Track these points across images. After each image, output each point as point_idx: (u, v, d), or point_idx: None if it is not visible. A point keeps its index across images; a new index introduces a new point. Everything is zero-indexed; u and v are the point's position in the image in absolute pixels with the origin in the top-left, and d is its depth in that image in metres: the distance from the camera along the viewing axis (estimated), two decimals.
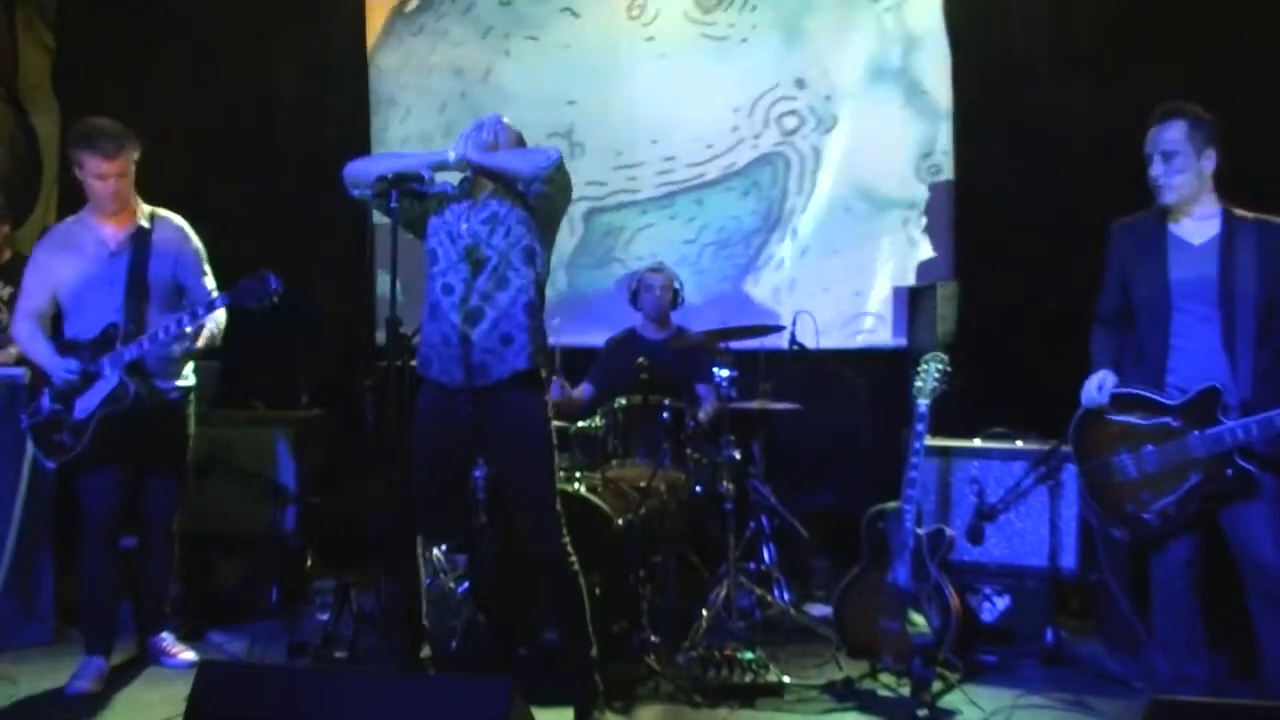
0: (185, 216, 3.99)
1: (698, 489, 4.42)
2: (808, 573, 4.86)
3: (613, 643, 3.64)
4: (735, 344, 4.53)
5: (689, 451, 4.29)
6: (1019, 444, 4.17)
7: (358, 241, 5.60)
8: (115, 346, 3.66)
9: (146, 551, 3.99)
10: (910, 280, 5.42)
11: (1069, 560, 4.05)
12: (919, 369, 3.76)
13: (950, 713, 3.46)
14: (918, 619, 3.46)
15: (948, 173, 5.38)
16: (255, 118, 5.94)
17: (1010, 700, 3.55)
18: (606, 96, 5.72)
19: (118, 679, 3.79)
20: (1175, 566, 3.27)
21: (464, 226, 3.22)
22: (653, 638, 3.75)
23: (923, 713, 3.36)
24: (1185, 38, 4.76)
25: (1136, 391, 3.25)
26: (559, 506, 3.26)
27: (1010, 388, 4.74)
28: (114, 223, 3.79)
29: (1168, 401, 3.18)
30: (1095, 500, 3.33)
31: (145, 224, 3.82)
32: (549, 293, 5.32)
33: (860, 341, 5.45)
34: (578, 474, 4.04)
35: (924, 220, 5.42)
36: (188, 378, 3.93)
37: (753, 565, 4.57)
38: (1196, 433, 3.09)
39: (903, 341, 5.37)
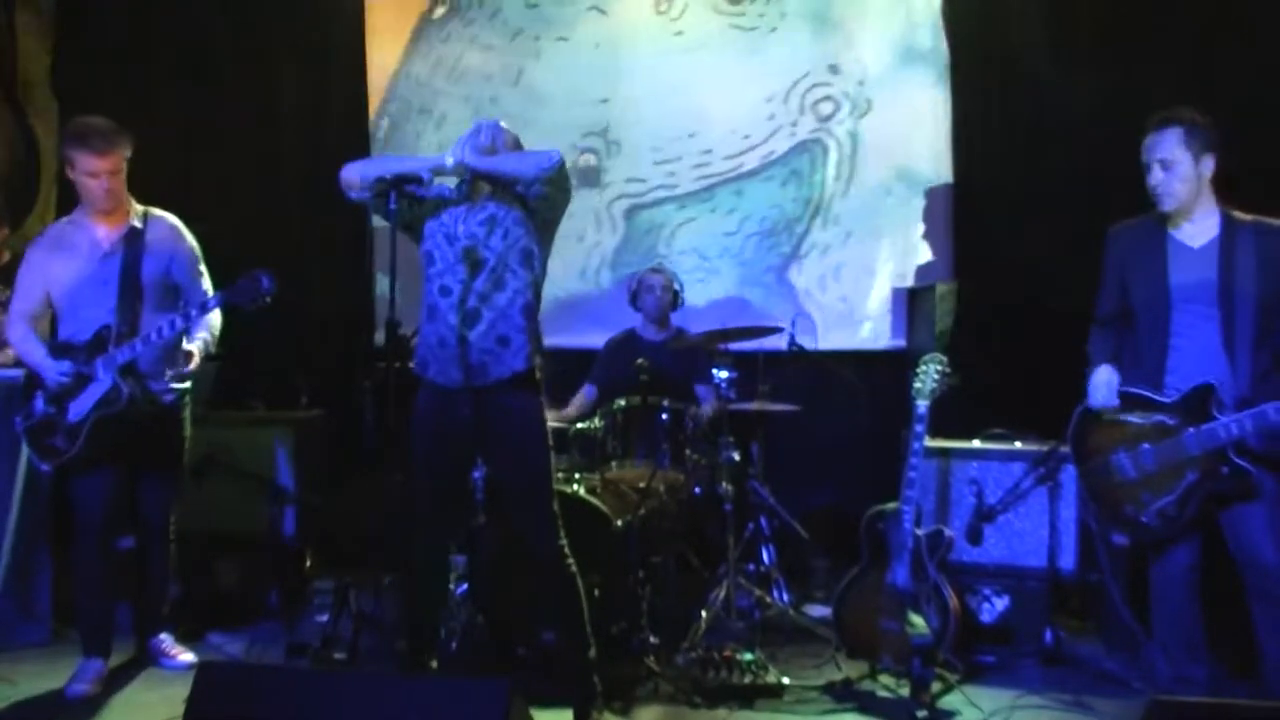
0: (184, 217, 3.98)
1: (697, 490, 4.42)
2: (807, 573, 4.86)
3: (612, 643, 3.64)
4: (734, 345, 4.53)
5: (688, 452, 4.29)
6: (1018, 445, 4.17)
7: (357, 243, 5.60)
8: (108, 348, 3.64)
9: (144, 553, 3.98)
10: (909, 281, 5.42)
11: (1068, 561, 4.05)
12: (918, 370, 3.76)
13: (949, 713, 3.46)
14: (917, 620, 3.46)
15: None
16: (255, 118, 5.94)
17: (1009, 701, 3.55)
18: (640, 93, 5.72)
19: (116, 680, 3.79)
20: (1176, 570, 3.28)
21: (461, 228, 3.22)
22: (652, 638, 3.75)
23: (922, 713, 3.36)
24: (1185, 37, 4.76)
25: (1132, 390, 3.26)
26: (557, 507, 3.26)
27: (1009, 388, 4.75)
28: (107, 223, 3.78)
29: (1163, 399, 3.18)
30: (1095, 503, 3.33)
31: (138, 223, 3.81)
32: (592, 290, 5.39)
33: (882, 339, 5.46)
34: (577, 475, 4.04)
35: (923, 225, 5.43)
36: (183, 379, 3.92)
37: (752, 566, 4.57)
38: (1191, 430, 3.09)
39: (902, 342, 5.38)
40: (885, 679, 3.71)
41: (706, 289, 5.62)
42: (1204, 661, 3.29)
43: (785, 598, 4.46)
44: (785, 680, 3.63)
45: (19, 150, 5.46)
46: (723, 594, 4.10)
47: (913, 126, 5.43)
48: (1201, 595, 3.28)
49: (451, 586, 4.27)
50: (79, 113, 3.80)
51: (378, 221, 3.42)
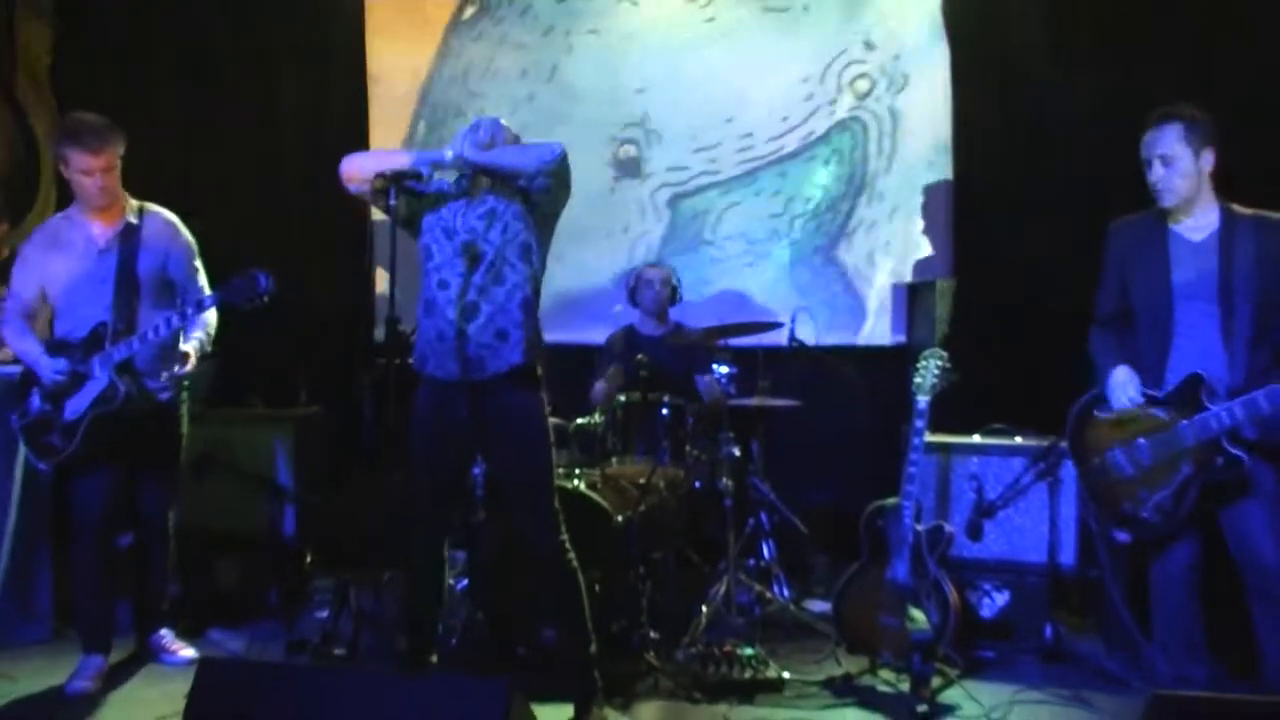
0: (184, 215, 3.98)
1: (697, 485, 4.42)
2: (807, 569, 4.87)
3: (612, 639, 3.64)
4: (734, 340, 4.53)
5: (688, 448, 4.30)
6: (1018, 440, 4.17)
7: (356, 240, 5.59)
8: (105, 346, 3.63)
9: (143, 551, 3.99)
10: (909, 277, 5.43)
11: (1068, 556, 4.05)
12: (918, 365, 3.77)
13: (949, 708, 3.46)
14: (917, 615, 3.46)
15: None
16: (255, 118, 5.94)
17: (1009, 696, 3.55)
18: (676, 81, 5.70)
19: (117, 676, 3.80)
20: (1175, 570, 3.28)
21: (460, 223, 3.22)
22: (652, 634, 3.75)
23: (922, 708, 3.36)
24: (1185, 37, 4.76)
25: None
26: (557, 504, 3.26)
27: (1010, 384, 4.75)
28: (103, 219, 3.76)
29: (1155, 393, 3.18)
30: (1095, 502, 3.33)
31: (134, 220, 3.80)
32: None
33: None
34: (577, 471, 4.05)
35: (922, 221, 5.43)
36: None
37: (752, 562, 4.58)
38: (1184, 421, 3.10)
39: (902, 338, 5.38)
40: (885, 674, 3.71)
41: (755, 273, 5.61)
42: (1204, 661, 3.29)
43: (785, 593, 4.46)
44: (785, 675, 3.63)
45: (19, 150, 5.46)
46: (723, 589, 4.10)
47: (950, 99, 5.43)
48: (1202, 595, 3.28)
49: (451, 582, 4.29)
50: (78, 112, 3.79)
51: (377, 215, 3.41)
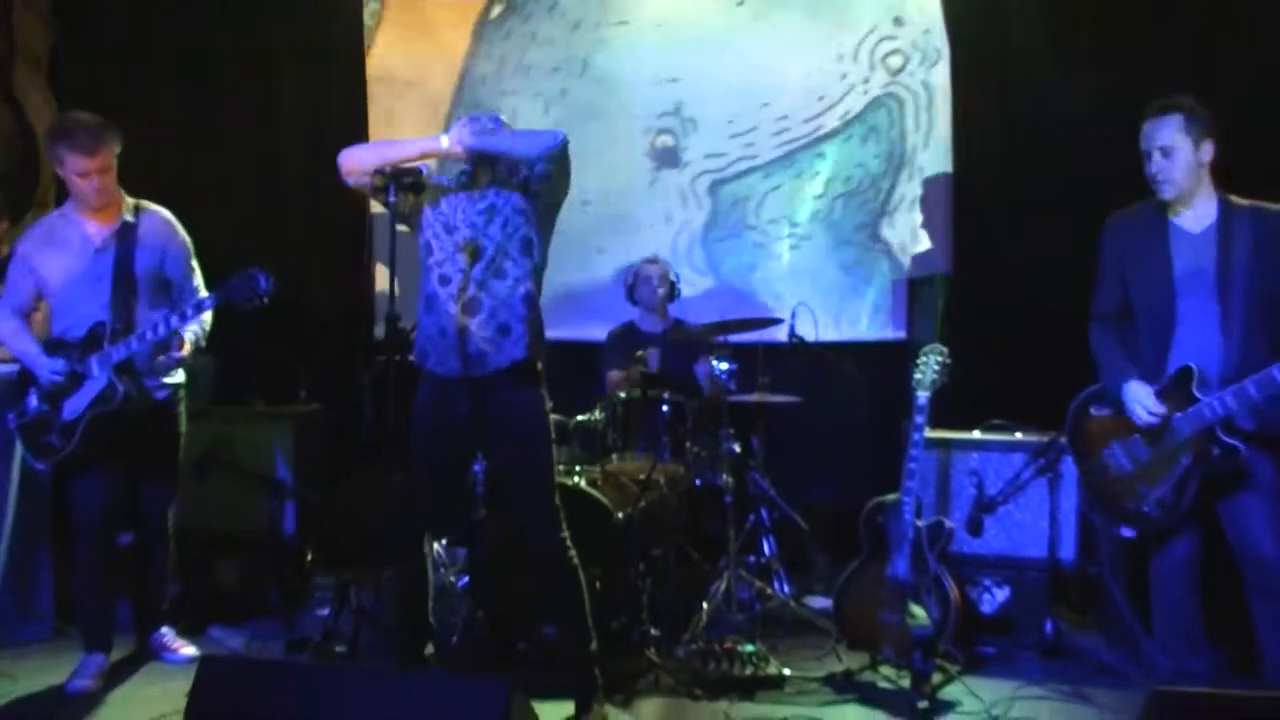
0: (184, 215, 3.97)
1: (697, 482, 4.42)
2: (807, 565, 4.87)
3: (612, 636, 3.64)
4: (734, 337, 4.53)
5: (688, 445, 4.30)
6: (1018, 436, 4.17)
7: (356, 239, 5.61)
8: (103, 346, 3.61)
9: (143, 550, 3.98)
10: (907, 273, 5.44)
11: (1068, 552, 4.05)
12: (918, 361, 3.76)
13: (950, 704, 3.46)
14: (917, 611, 3.46)
15: None
16: (255, 118, 5.94)
17: (1010, 691, 3.55)
18: (709, 68, 5.69)
19: (118, 674, 3.80)
20: (1175, 564, 3.27)
21: (460, 217, 3.22)
22: (653, 631, 3.75)
23: (923, 704, 3.37)
24: (1185, 37, 4.76)
25: None
26: (558, 500, 3.26)
27: (1009, 380, 4.75)
28: (99, 217, 3.74)
29: (1151, 387, 3.18)
30: (1098, 500, 3.32)
31: (130, 218, 3.77)
32: (684, 269, 5.41)
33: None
34: (577, 467, 4.05)
35: (920, 216, 5.43)
36: (176, 375, 3.90)
37: (752, 558, 4.58)
38: (1178, 414, 3.09)
39: (902, 334, 5.39)
40: (886, 670, 3.72)
41: (801, 255, 5.60)
42: (1204, 654, 3.28)
43: (786, 589, 4.46)
44: (786, 672, 3.63)
45: (18, 148, 5.46)
46: (723, 586, 4.10)
47: (950, 99, 5.42)
48: (1202, 592, 3.28)
49: (452, 580, 4.30)
50: (77, 110, 3.77)
51: (375, 207, 3.41)
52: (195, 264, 3.94)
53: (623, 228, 5.69)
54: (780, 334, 4.63)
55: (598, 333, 5.13)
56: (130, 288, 3.71)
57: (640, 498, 3.90)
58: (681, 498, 4.29)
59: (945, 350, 3.76)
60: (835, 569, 4.24)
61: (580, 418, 4.25)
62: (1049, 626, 3.97)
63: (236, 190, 5.85)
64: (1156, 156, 3.18)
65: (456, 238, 3.20)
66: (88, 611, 3.81)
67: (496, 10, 5.97)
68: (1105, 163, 4.08)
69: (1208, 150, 3.17)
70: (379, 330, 5.64)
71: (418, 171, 3.26)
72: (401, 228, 3.41)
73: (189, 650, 3.96)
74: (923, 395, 3.69)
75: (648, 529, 3.92)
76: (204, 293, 3.88)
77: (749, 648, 3.67)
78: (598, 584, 3.51)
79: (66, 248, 3.72)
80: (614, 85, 5.78)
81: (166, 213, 3.91)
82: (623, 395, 4.29)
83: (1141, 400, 3.16)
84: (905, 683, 3.55)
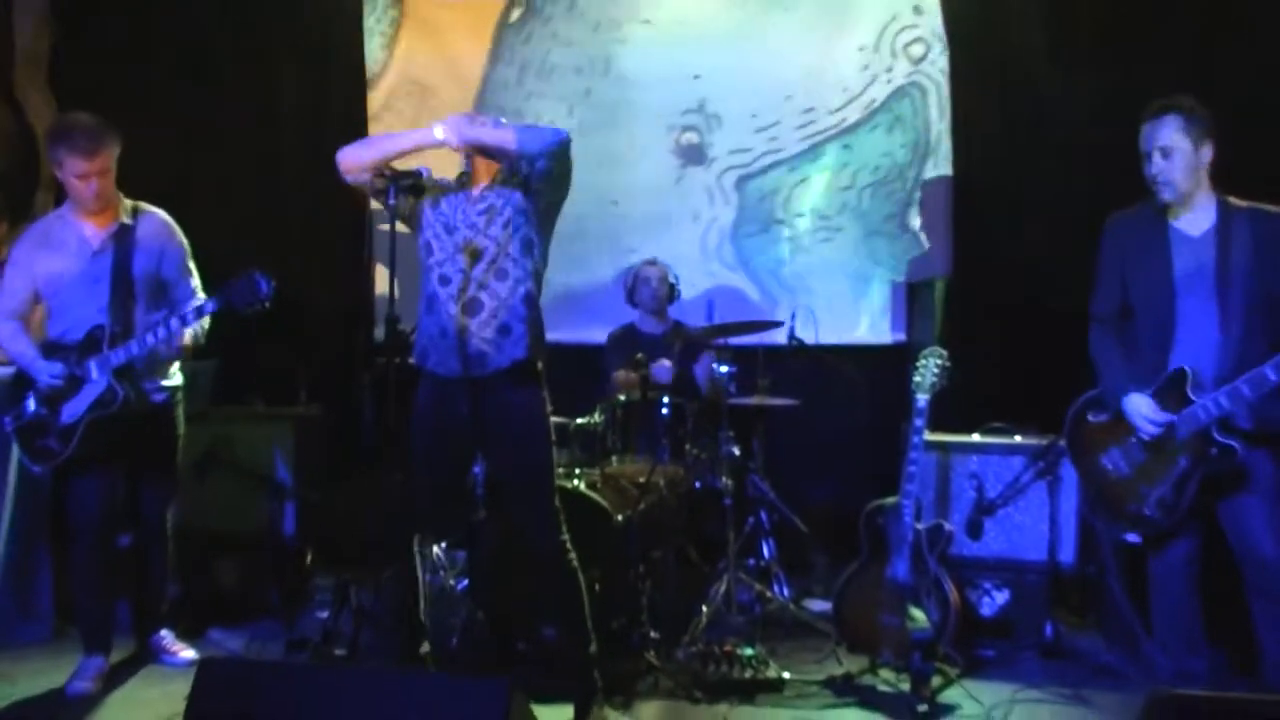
0: (183, 215, 3.96)
1: (697, 485, 4.42)
2: (807, 568, 4.87)
3: (612, 639, 3.63)
4: (734, 339, 4.53)
5: (688, 447, 4.30)
6: (1018, 438, 4.17)
7: (356, 239, 5.61)
8: (102, 349, 3.60)
9: (142, 551, 3.97)
10: (905, 275, 5.43)
11: (1068, 555, 4.06)
12: (918, 364, 3.77)
13: (950, 707, 3.46)
14: (917, 614, 3.46)
15: None
16: (255, 118, 5.94)
17: (1009, 694, 3.55)
18: (730, 64, 5.68)
19: (117, 677, 3.79)
20: (1175, 564, 3.27)
21: (460, 218, 3.22)
22: (652, 633, 3.75)
23: (922, 707, 3.36)
24: (1185, 37, 4.76)
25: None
26: (558, 502, 3.26)
27: (1009, 383, 4.75)
28: (96, 220, 3.72)
29: (1144, 390, 3.18)
30: (1099, 505, 3.32)
31: (128, 220, 3.76)
32: (715, 265, 5.47)
33: None
34: (577, 470, 4.05)
35: (919, 218, 5.43)
36: (173, 377, 3.90)
37: (752, 561, 4.58)
38: (1174, 416, 3.09)
39: (902, 337, 5.38)
40: (885, 673, 3.71)
41: (831, 246, 5.58)
42: (1204, 654, 3.28)
43: (785, 592, 4.46)
44: (785, 675, 3.63)
45: (17, 148, 5.46)
46: (723, 589, 4.10)
47: (949, 99, 5.42)
48: (1202, 592, 3.28)
49: (451, 582, 4.30)
50: (77, 111, 3.76)
51: (375, 206, 3.41)
52: (192, 265, 3.93)
53: (652, 227, 5.67)
54: (780, 336, 4.64)
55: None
56: (128, 290, 3.70)
57: (640, 500, 3.90)
58: (681, 500, 4.29)
59: (945, 353, 3.76)
60: (835, 572, 4.25)
61: (580, 420, 4.25)
62: (1049, 629, 3.97)
63: (236, 190, 5.85)
64: (1156, 157, 3.17)
65: (457, 238, 3.19)
66: (87, 613, 3.81)
67: (516, 14, 5.96)
68: (1105, 163, 4.08)
69: (1207, 152, 3.16)
70: (379, 332, 5.64)
71: (418, 174, 3.27)
72: (402, 228, 3.42)
73: (188, 654, 3.96)
74: (922, 398, 3.69)
75: (647, 531, 3.92)
76: (201, 294, 3.88)
77: (748, 650, 3.67)
78: (597, 586, 3.51)
79: (64, 250, 3.70)
80: (637, 84, 5.77)
81: (164, 215, 3.89)
82: (622, 398, 4.29)
83: (1144, 413, 3.15)
84: (905, 685, 3.54)
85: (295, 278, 3.65)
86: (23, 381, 3.71)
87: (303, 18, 5.96)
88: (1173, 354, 3.19)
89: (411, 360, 3.31)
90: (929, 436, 3.78)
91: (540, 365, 3.25)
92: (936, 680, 3.54)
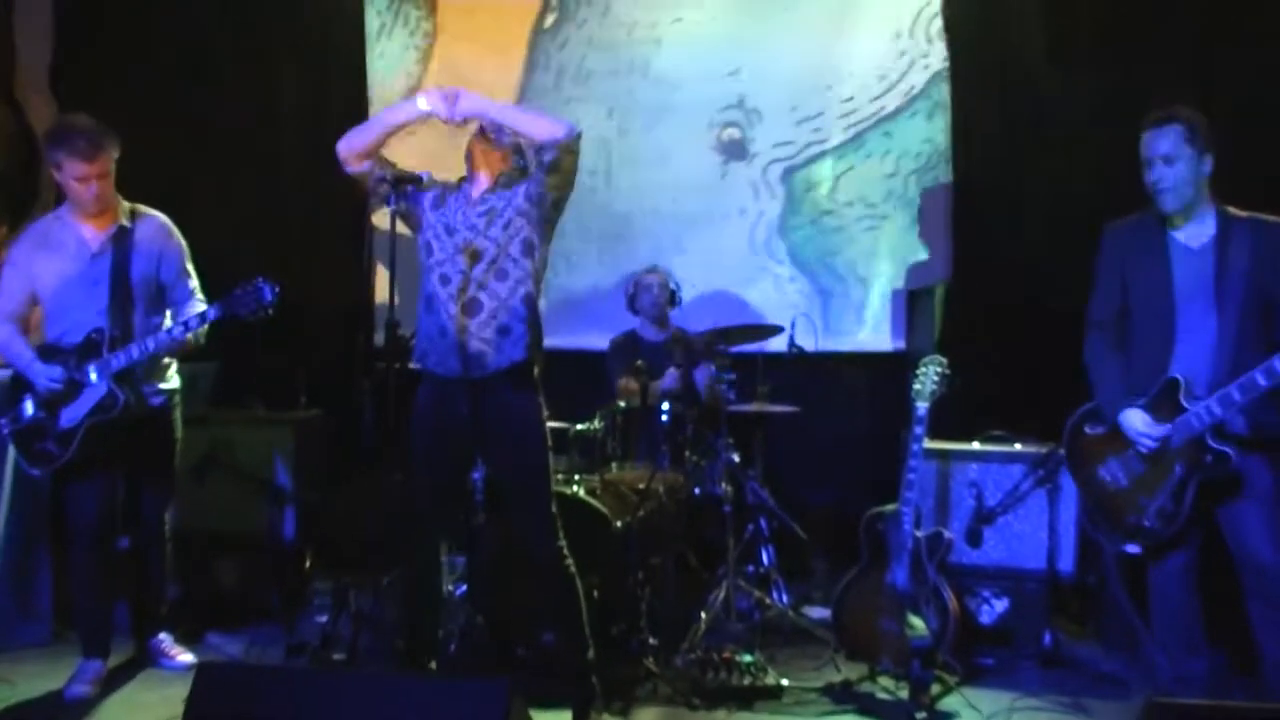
0: (183, 216, 3.95)
1: (696, 491, 4.42)
2: (806, 575, 4.87)
3: (611, 645, 3.63)
4: (734, 346, 4.53)
5: (688, 454, 4.30)
6: (1017, 447, 4.17)
7: (356, 241, 5.60)
8: (102, 353, 3.59)
9: (141, 554, 3.97)
10: (905, 282, 5.43)
11: (1067, 563, 4.06)
12: (918, 371, 3.76)
13: (948, 715, 3.47)
14: (916, 621, 3.46)
15: None
16: (255, 118, 5.94)
17: (1008, 703, 3.55)
18: (767, 58, 5.65)
19: (116, 680, 3.79)
20: (1173, 571, 3.27)
21: (460, 219, 3.22)
22: (651, 640, 3.75)
23: (921, 715, 3.37)
24: (1185, 37, 4.76)
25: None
26: (555, 508, 3.26)
27: (1009, 391, 4.75)
28: (95, 222, 3.71)
29: (1137, 400, 3.18)
30: (1100, 517, 3.31)
31: (127, 222, 3.74)
32: (765, 259, 5.46)
33: None
34: (576, 476, 4.04)
35: (919, 224, 5.43)
36: (171, 380, 3.89)
37: (751, 567, 4.58)
38: (1168, 424, 3.10)
39: (901, 344, 5.38)
40: (884, 681, 3.72)
41: (880, 235, 5.55)
42: (1204, 657, 3.28)
43: (784, 599, 4.46)
44: (784, 682, 3.63)
45: (18, 150, 5.45)
46: (722, 595, 4.10)
47: (949, 100, 5.41)
48: (1202, 593, 3.28)
49: (450, 587, 4.28)
50: (78, 112, 3.75)
51: (375, 202, 3.41)
52: (191, 267, 3.92)
53: (697, 225, 5.66)
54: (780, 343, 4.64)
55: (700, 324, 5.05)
56: (127, 293, 3.69)
57: (639, 507, 3.89)
58: (680, 507, 4.29)
59: (944, 361, 3.76)
60: (834, 579, 4.24)
61: (580, 426, 4.24)
62: (1047, 637, 3.97)
63: (236, 190, 5.84)
64: (1159, 165, 3.15)
65: (457, 239, 3.20)
66: (86, 616, 3.80)
67: (549, 20, 5.94)
68: (1106, 164, 4.09)
69: (1208, 163, 3.16)
70: (379, 336, 5.63)
71: (418, 178, 3.27)
72: (403, 230, 3.41)
73: (187, 657, 3.95)
74: (922, 406, 3.69)
75: (646, 538, 3.92)
76: (200, 296, 3.87)
77: (747, 657, 3.67)
78: (596, 592, 3.51)
79: (62, 252, 3.69)
80: (675, 84, 5.75)
81: (163, 217, 3.88)
82: (622, 404, 4.29)
83: (1138, 428, 3.15)
84: (904, 693, 3.55)
85: (295, 280, 3.63)
86: (20, 384, 3.70)
87: (303, 18, 5.95)
88: (1172, 364, 3.19)
89: (412, 364, 3.31)
90: (929, 444, 3.77)
91: (538, 370, 3.25)
92: (935, 688, 3.54)
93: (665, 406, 4.26)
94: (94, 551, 3.74)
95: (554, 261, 5.56)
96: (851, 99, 5.58)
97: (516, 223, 3.20)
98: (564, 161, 3.19)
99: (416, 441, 3.28)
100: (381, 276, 3.85)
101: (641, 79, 5.80)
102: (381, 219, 3.38)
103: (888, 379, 4.95)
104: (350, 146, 3.25)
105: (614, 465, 4.25)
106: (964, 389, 3.86)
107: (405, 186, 3.24)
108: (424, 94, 3.19)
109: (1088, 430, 3.34)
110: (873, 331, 5.48)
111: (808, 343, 4.69)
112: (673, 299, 4.99)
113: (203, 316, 3.62)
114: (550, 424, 3.31)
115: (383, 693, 2.58)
